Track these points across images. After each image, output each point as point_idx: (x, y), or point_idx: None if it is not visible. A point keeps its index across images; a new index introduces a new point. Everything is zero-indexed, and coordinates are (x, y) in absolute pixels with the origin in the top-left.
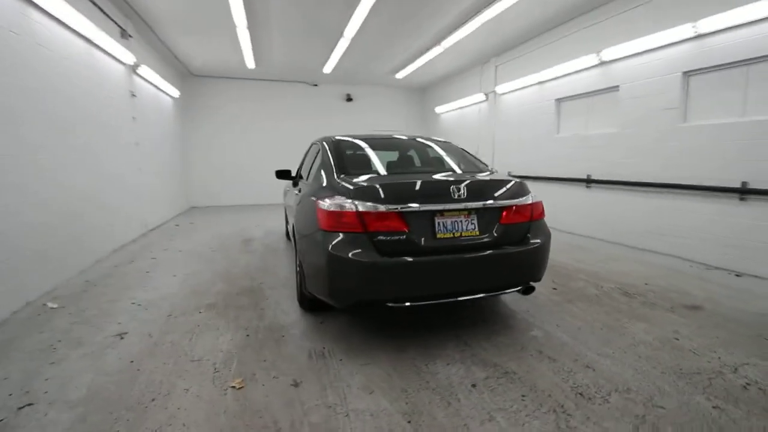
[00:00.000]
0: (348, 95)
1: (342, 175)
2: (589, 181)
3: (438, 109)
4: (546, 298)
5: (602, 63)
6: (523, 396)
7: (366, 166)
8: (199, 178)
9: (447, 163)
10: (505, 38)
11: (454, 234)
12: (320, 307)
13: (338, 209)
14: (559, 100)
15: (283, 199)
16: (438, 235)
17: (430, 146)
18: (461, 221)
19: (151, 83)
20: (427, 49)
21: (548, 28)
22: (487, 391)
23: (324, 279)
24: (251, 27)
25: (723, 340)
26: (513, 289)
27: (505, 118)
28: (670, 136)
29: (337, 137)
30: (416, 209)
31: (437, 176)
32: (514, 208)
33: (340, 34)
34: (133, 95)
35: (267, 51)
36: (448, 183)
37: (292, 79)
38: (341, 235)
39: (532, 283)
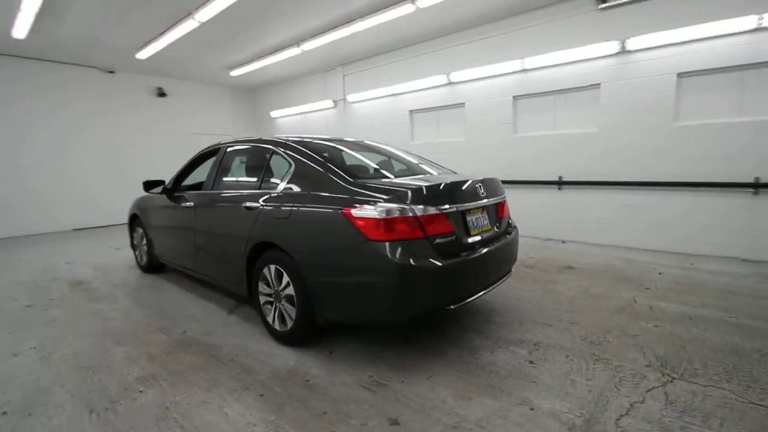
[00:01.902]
0: (160, 89)
1: (359, 180)
2: None
3: (274, 113)
4: None
5: (450, 83)
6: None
7: (365, 170)
8: None
9: (425, 165)
10: (352, 51)
11: (480, 230)
12: (318, 335)
13: (392, 215)
14: (412, 111)
15: (140, 218)
16: (471, 232)
17: (391, 150)
18: (481, 217)
19: None
20: (282, 48)
21: (401, 47)
22: (538, 357)
23: (384, 293)
24: None
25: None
26: (507, 275)
27: (359, 124)
28: (505, 144)
29: (297, 138)
30: (456, 209)
31: (459, 178)
32: (503, 203)
33: (189, 14)
34: None
35: (56, 18)
36: (473, 183)
37: (77, 62)
38: (402, 243)
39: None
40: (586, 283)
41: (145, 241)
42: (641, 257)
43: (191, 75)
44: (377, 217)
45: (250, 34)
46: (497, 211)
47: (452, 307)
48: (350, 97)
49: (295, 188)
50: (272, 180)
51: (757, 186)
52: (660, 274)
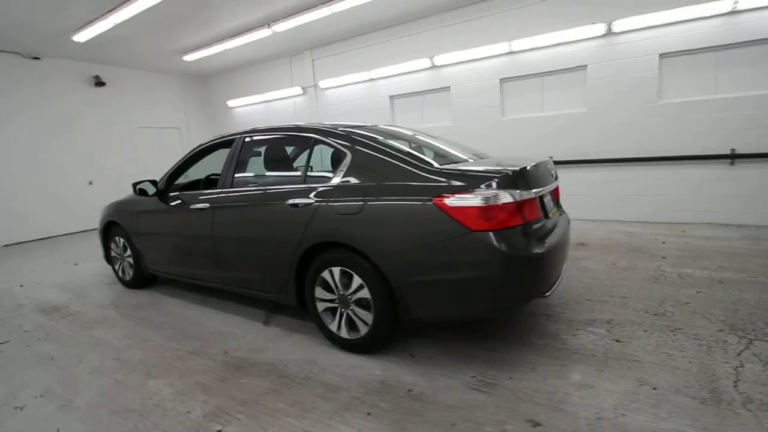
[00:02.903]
0: (97, 78)
1: (436, 167)
2: None
3: (232, 103)
4: None
5: (435, 67)
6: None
7: (419, 156)
8: None
9: (459, 149)
10: (325, 34)
11: (552, 212)
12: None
13: (495, 202)
14: (393, 97)
15: (122, 226)
16: (549, 215)
17: (416, 136)
18: (550, 200)
19: None
20: (247, 30)
21: (379, 28)
22: (620, 335)
23: (489, 288)
24: None
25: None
26: None
27: (333, 112)
28: (494, 126)
29: (345, 125)
30: (540, 192)
31: (532, 160)
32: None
33: None
34: None
35: None
36: (546, 164)
37: None
38: (507, 232)
39: None
40: (608, 258)
41: (129, 253)
42: (636, 229)
43: (135, 61)
44: (479, 205)
45: (209, 14)
46: (554, 194)
47: (547, 294)
48: (322, 83)
49: (355, 180)
50: (319, 173)
51: (732, 157)
52: (663, 243)
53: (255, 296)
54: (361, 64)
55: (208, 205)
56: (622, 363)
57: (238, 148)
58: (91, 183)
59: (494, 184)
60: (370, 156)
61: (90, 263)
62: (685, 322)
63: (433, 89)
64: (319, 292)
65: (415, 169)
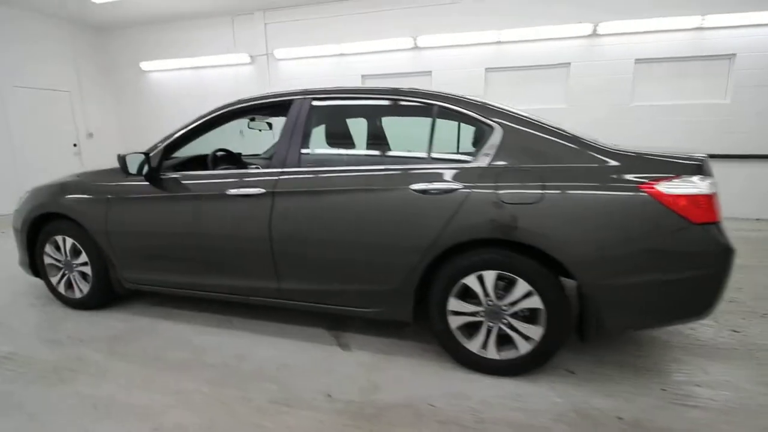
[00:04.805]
0: None
1: (613, 150)
2: None
3: (147, 65)
4: None
5: (417, 47)
6: None
7: (583, 136)
8: None
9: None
10: None
11: None
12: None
13: (713, 191)
14: (365, 77)
15: (77, 221)
16: None
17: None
18: None
19: None
20: None
21: None
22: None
23: (710, 288)
24: None
25: None
26: None
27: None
28: None
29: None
30: None
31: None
32: None
33: None
34: None
35: None
36: None
37: None
38: (720, 224)
39: None
40: None
41: (84, 259)
42: None
43: None
44: (705, 193)
45: None
46: None
47: None
48: (278, 53)
49: (513, 161)
50: (450, 152)
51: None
52: None
53: (335, 312)
54: (331, 36)
55: (262, 190)
56: None
57: (302, 113)
58: None
59: (703, 171)
60: (529, 133)
61: None
62: None
63: (413, 72)
64: (455, 304)
65: (591, 150)
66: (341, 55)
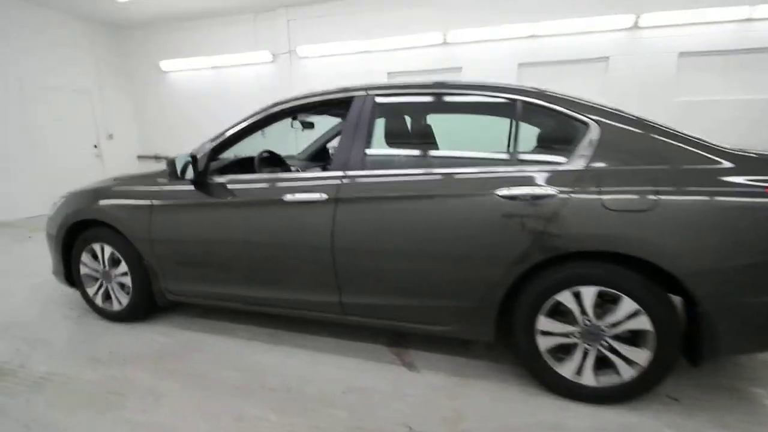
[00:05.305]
0: None
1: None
2: None
3: (167, 65)
4: None
5: (446, 43)
6: None
7: (691, 134)
8: None
9: None
10: None
11: None
12: None
13: None
14: (391, 74)
15: (119, 229)
16: None
17: None
18: None
19: None
20: None
21: None
22: None
23: None
24: None
25: None
26: None
27: (312, 87)
28: None
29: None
30: None
31: None
32: None
33: None
34: None
35: None
36: None
37: None
38: None
39: None
40: None
41: (124, 269)
42: None
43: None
44: None
45: None
46: None
47: None
48: (301, 50)
49: (614, 163)
50: (537, 152)
51: None
52: None
53: (401, 329)
54: (356, 32)
55: (324, 196)
56: None
57: (365, 111)
58: None
59: None
60: (630, 131)
61: (8, 280)
62: None
63: (442, 69)
64: (545, 323)
65: (702, 150)
66: (367, 52)
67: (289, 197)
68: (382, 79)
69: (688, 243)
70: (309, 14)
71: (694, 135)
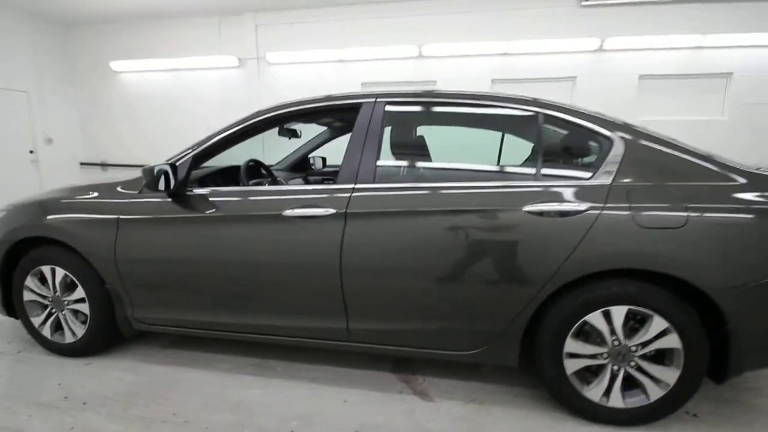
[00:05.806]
0: None
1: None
2: None
3: (118, 66)
4: None
5: (421, 56)
6: None
7: (708, 152)
8: None
9: None
10: None
11: None
12: None
13: None
14: (365, 84)
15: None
16: None
17: None
18: None
19: None
20: None
21: (356, 2)
22: None
23: None
24: None
25: None
26: None
27: (281, 95)
28: None
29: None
30: None
31: None
32: None
33: None
34: None
35: None
36: None
37: None
38: None
39: None
40: None
41: (80, 295)
42: None
43: None
44: None
45: None
46: None
47: None
48: (271, 57)
49: (631, 179)
50: (562, 167)
51: None
52: None
53: (413, 356)
54: (329, 41)
55: (332, 210)
56: None
57: (375, 120)
58: None
59: None
60: (652, 148)
61: None
62: None
63: (416, 81)
64: (573, 345)
65: (722, 168)
66: (340, 61)
67: (289, 212)
68: (356, 89)
69: (720, 259)
70: (279, 20)
71: (707, 151)
